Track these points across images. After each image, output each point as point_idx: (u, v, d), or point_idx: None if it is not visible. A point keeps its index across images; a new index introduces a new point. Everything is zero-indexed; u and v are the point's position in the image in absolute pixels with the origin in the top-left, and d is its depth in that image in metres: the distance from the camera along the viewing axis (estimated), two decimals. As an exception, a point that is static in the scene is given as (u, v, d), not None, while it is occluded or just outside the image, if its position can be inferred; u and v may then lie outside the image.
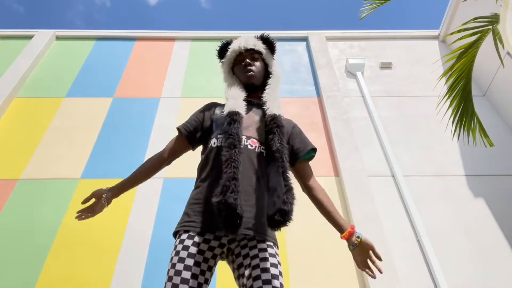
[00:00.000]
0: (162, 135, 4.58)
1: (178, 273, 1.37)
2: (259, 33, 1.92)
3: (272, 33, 7.16)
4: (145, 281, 3.30)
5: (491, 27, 3.03)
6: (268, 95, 1.71)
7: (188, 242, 1.44)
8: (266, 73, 1.81)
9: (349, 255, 3.52)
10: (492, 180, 4.19)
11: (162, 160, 1.73)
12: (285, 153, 1.53)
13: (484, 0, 3.91)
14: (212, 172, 1.56)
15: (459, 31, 3.15)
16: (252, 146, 1.59)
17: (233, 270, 1.52)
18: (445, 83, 3.27)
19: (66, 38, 6.24)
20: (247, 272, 1.41)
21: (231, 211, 1.34)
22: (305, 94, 5.32)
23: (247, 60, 1.77)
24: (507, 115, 4.81)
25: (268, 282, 1.36)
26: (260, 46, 1.82)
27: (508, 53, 4.46)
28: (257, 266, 1.40)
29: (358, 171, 4.14)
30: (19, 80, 5.23)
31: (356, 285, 3.33)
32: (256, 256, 1.43)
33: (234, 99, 1.65)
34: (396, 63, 5.77)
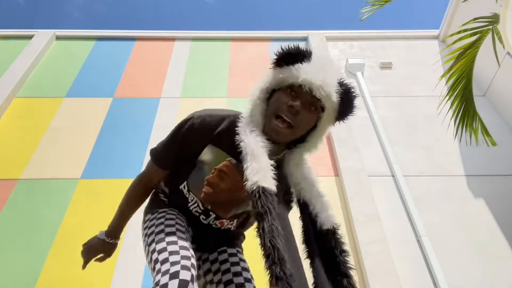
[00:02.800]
0: (162, 135, 4.56)
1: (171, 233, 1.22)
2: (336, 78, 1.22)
3: (272, 33, 7.09)
4: (145, 281, 3.30)
5: (491, 27, 3.03)
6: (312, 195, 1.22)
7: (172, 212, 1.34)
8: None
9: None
10: (492, 180, 4.19)
11: (147, 194, 1.49)
12: None
13: (484, 0, 3.91)
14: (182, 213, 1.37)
15: (459, 31, 3.14)
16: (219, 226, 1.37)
17: (198, 276, 1.37)
18: (446, 83, 3.27)
19: (66, 38, 6.24)
20: (216, 278, 1.32)
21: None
22: (305, 94, 5.31)
23: (298, 104, 1.15)
24: (507, 115, 4.81)
25: (241, 286, 1.26)
26: (332, 99, 1.17)
27: (508, 53, 4.46)
28: (227, 270, 1.31)
29: (358, 171, 4.14)
30: (19, 80, 5.23)
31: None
32: (225, 260, 1.35)
33: (259, 163, 1.11)
34: (396, 63, 5.77)
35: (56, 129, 4.69)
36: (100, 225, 3.64)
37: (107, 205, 3.91)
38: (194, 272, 1.08)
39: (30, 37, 6.04)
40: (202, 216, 1.35)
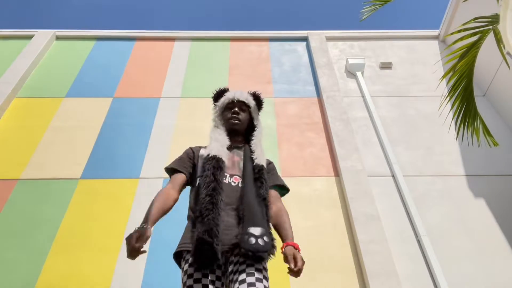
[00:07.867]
0: (162, 135, 4.58)
1: None
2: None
3: (272, 33, 7.09)
4: (145, 281, 3.30)
5: (491, 27, 3.03)
6: (255, 146, 2.00)
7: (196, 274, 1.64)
8: (251, 125, 2.12)
9: (349, 254, 3.53)
10: (492, 180, 4.19)
11: (175, 199, 1.87)
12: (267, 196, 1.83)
13: (484, 0, 3.91)
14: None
15: (459, 31, 3.14)
16: (235, 182, 1.87)
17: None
18: (447, 84, 3.27)
19: (66, 38, 6.24)
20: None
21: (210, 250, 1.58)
22: (305, 94, 5.31)
23: (236, 109, 2.06)
24: (507, 115, 4.81)
25: (252, 285, 1.51)
26: (250, 101, 2.12)
27: (508, 53, 4.46)
28: (243, 281, 1.57)
29: (358, 171, 4.14)
30: (19, 80, 5.23)
31: (356, 285, 3.33)
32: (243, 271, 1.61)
33: (218, 142, 1.93)
34: (396, 63, 5.77)
35: (56, 129, 4.70)
36: (100, 225, 3.66)
37: (107, 205, 3.91)
38: None
39: (30, 37, 6.04)
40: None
